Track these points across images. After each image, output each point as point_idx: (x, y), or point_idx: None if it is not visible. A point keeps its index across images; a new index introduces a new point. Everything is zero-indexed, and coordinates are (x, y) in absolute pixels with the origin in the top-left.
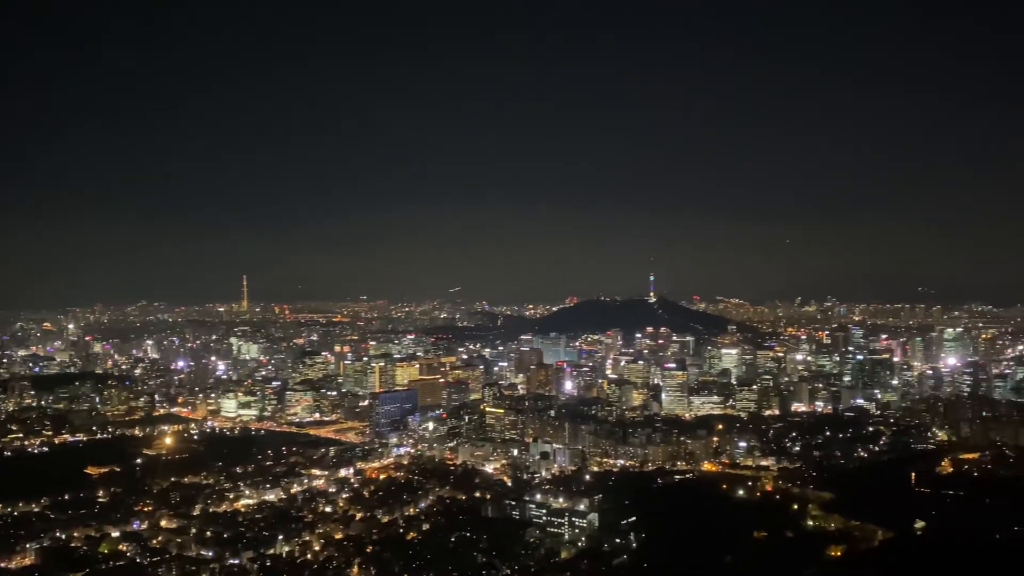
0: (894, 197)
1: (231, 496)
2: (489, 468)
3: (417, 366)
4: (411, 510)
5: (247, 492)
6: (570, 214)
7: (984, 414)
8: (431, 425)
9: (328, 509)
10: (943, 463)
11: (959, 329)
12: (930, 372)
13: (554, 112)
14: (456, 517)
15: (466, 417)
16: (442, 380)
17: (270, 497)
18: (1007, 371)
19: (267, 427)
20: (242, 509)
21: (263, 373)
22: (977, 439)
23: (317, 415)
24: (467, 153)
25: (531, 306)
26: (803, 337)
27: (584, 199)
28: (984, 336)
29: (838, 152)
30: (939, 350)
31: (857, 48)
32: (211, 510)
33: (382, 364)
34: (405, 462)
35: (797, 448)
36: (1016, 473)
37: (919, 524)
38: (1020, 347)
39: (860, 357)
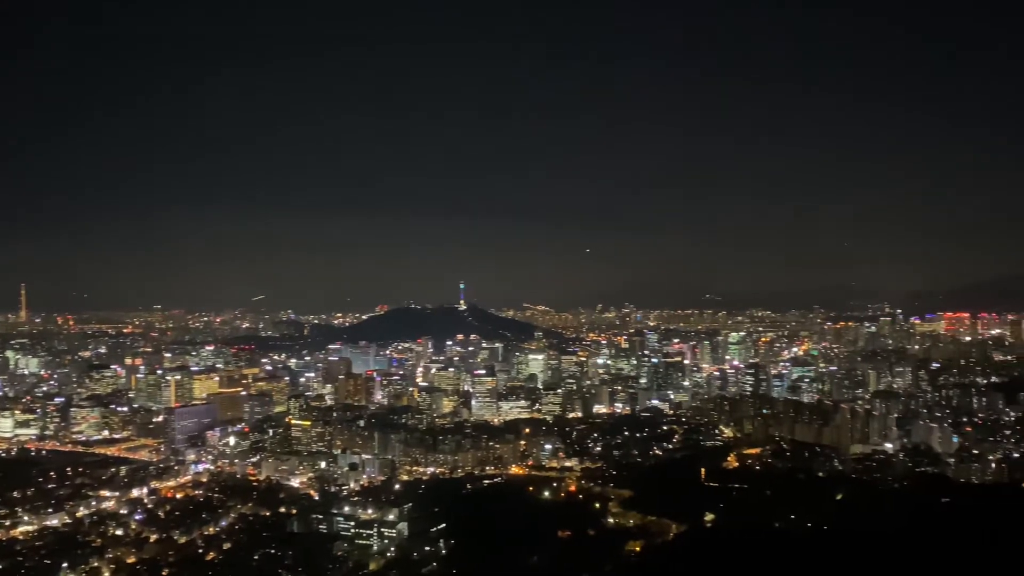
0: (685, 214)
1: (7, 523)
2: (295, 482)
3: (217, 379)
4: (211, 529)
5: (25, 518)
6: (380, 221)
7: (764, 412)
8: (232, 440)
9: (119, 532)
10: (729, 458)
11: (742, 333)
12: (717, 373)
13: (360, 118)
14: (259, 534)
15: (270, 430)
16: (244, 393)
17: (53, 522)
18: (784, 371)
19: (50, 447)
20: (20, 537)
21: (44, 389)
22: (758, 435)
23: (106, 432)
24: (275, 155)
25: (340, 315)
26: (604, 342)
27: (394, 206)
28: (764, 339)
29: (634, 171)
30: (725, 353)
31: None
32: None
33: (178, 377)
34: (204, 479)
35: (598, 448)
36: (792, 466)
37: (709, 517)
38: (795, 349)
39: (655, 360)
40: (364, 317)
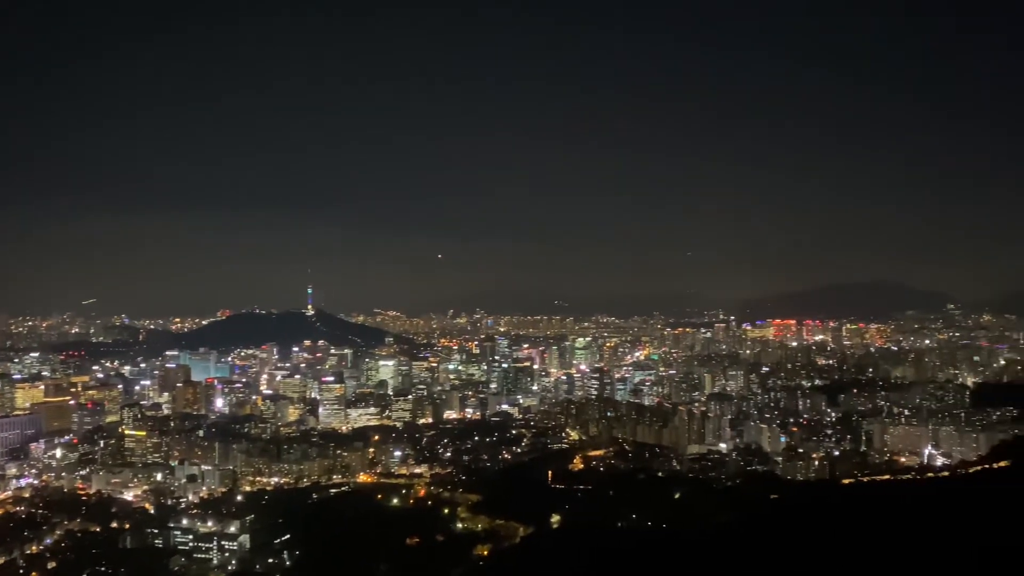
0: (534, 221)
1: None
2: (129, 496)
3: (43, 387)
4: (34, 548)
5: None
6: (222, 222)
7: (608, 414)
8: (59, 452)
9: None
10: (575, 460)
11: (588, 338)
12: (564, 378)
13: (202, 112)
14: (89, 551)
15: (102, 442)
16: (73, 402)
17: None
18: (627, 375)
19: None
20: None
21: None
22: (603, 437)
23: None
24: (107, 149)
25: (178, 319)
26: (455, 347)
27: (237, 207)
28: (608, 344)
29: (484, 178)
30: (572, 357)
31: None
32: None
33: None
34: (27, 495)
35: (448, 454)
36: (634, 466)
37: (555, 518)
38: (637, 354)
39: (505, 365)
40: (204, 322)
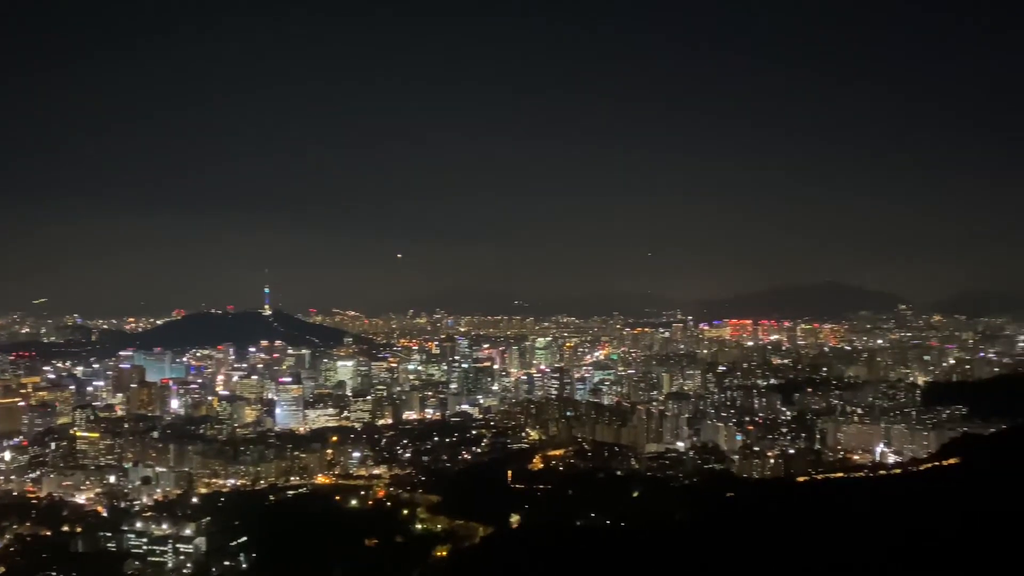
0: (495, 221)
1: None
2: (81, 499)
3: None
4: None
5: None
6: (178, 221)
7: (568, 414)
8: (8, 455)
9: None
10: (535, 460)
11: (548, 338)
12: (525, 378)
13: (157, 109)
14: (39, 555)
15: (52, 444)
16: (23, 403)
17: None
18: (587, 375)
19: None
20: None
21: None
22: (562, 437)
23: None
24: (60, 151)
25: (132, 319)
26: (415, 347)
27: (194, 205)
28: (568, 344)
29: (447, 178)
30: (532, 357)
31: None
32: None
33: None
34: None
35: (408, 455)
36: (593, 465)
37: (514, 518)
38: (597, 353)
39: (465, 365)
40: (159, 322)
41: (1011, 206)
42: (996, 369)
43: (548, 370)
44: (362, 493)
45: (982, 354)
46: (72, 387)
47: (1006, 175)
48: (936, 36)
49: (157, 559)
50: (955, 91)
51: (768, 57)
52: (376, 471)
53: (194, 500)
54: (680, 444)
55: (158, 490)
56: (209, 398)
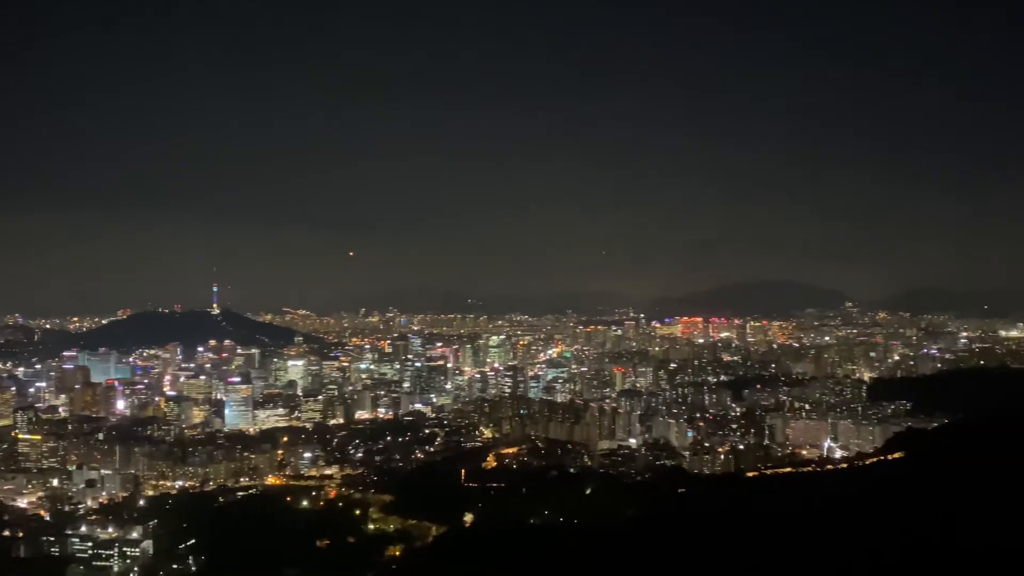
0: (448, 220)
1: None
2: (23, 503)
3: None
4: None
5: None
6: (123, 217)
7: (521, 412)
8: None
9: None
10: (489, 458)
11: (502, 337)
12: (478, 376)
13: (104, 100)
14: None
15: None
16: None
17: None
18: (540, 373)
19: None
20: None
21: None
22: (516, 435)
23: None
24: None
25: (76, 319)
26: (367, 346)
27: (139, 202)
28: (522, 343)
29: (399, 176)
30: (485, 356)
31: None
32: None
33: None
34: None
35: (360, 455)
36: (546, 463)
37: (468, 517)
38: (550, 351)
39: (418, 364)
40: (104, 321)
41: (953, 207)
42: (939, 365)
43: (501, 368)
44: (313, 494)
45: (925, 350)
46: (13, 388)
47: (949, 177)
48: (881, 31)
49: (103, 563)
50: (902, 91)
51: (731, 58)
52: (328, 471)
53: (141, 503)
54: (632, 441)
55: (103, 493)
56: (156, 399)
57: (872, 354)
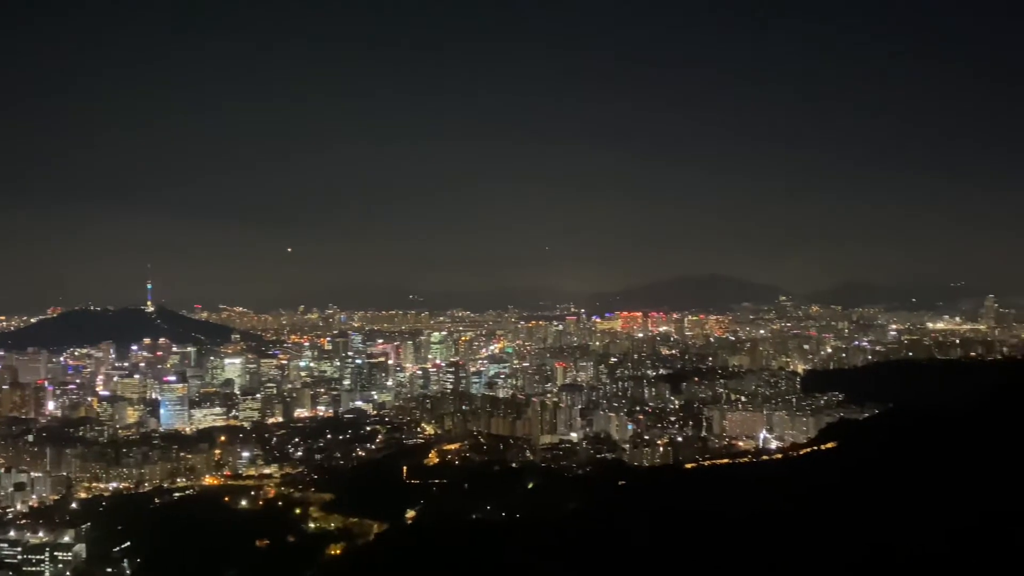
0: (387, 216)
1: None
2: None
3: None
4: None
5: None
6: (52, 213)
7: (464, 408)
8: None
9: None
10: (431, 455)
11: (443, 333)
12: (420, 372)
13: (38, 97)
14: None
15: None
16: None
17: None
18: (482, 368)
19: None
20: None
21: None
22: (458, 431)
23: None
24: None
25: (3, 318)
26: (306, 344)
27: (70, 197)
28: (463, 338)
29: (339, 172)
30: (427, 352)
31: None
32: None
33: None
34: None
35: (300, 453)
36: (488, 458)
37: (410, 513)
38: (492, 347)
39: (359, 361)
40: (33, 320)
41: (884, 202)
42: (869, 357)
43: (443, 364)
44: (252, 493)
45: (857, 342)
46: None
47: (881, 172)
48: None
49: (33, 568)
50: (836, 84)
51: (677, 55)
52: (267, 471)
53: (73, 505)
54: (574, 435)
55: (33, 496)
56: (88, 399)
57: (806, 347)
